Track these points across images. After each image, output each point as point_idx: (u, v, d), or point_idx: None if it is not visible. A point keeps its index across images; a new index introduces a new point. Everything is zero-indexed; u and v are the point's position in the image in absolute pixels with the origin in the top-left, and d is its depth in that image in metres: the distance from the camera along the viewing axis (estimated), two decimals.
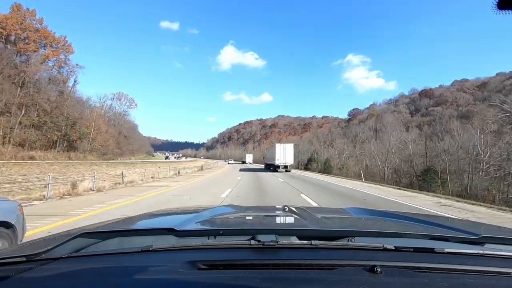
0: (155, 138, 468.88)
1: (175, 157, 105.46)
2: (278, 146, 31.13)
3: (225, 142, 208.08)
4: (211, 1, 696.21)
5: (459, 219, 2.26)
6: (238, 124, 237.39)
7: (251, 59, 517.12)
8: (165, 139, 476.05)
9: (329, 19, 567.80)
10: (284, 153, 30.81)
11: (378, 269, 0.71)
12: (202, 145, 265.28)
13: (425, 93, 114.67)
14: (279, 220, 1.49)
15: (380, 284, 0.68)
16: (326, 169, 38.48)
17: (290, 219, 1.45)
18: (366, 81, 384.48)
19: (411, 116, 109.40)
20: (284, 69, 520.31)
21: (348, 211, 1.71)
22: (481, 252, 0.89)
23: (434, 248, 0.87)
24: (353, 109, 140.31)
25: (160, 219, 1.49)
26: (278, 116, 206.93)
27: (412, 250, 0.87)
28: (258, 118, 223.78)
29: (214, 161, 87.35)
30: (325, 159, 43.46)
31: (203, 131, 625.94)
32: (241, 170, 33.37)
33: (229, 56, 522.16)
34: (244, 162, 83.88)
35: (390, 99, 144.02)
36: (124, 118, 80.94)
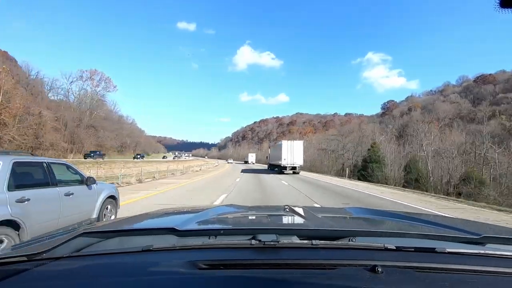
0: (171, 138, 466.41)
1: (171, 157, 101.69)
2: (285, 143, 26.28)
3: (239, 141, 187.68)
4: (228, 1, 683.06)
5: (460, 219, 2.14)
6: (253, 122, 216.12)
7: (267, 59, 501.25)
8: (180, 140, 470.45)
9: (349, 17, 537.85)
10: (292, 152, 25.60)
11: (379, 269, 0.71)
12: (216, 145, 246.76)
13: (483, 79, 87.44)
14: (280, 219, 1.50)
15: (381, 284, 0.68)
16: (419, 180, 15.33)
17: (291, 219, 1.45)
18: (386, 80, 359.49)
19: (473, 106, 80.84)
20: (302, 69, 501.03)
21: (349, 211, 1.73)
22: (482, 252, 0.89)
23: (435, 248, 0.88)
24: (387, 102, 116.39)
25: (161, 219, 1.52)
26: (296, 113, 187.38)
27: (413, 250, 0.88)
28: (275, 116, 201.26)
29: (215, 160, 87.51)
30: (408, 160, 20.33)
31: (219, 131, 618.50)
32: (242, 171, 28.99)
33: (246, 56, 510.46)
34: (246, 162, 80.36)
35: (431, 90, 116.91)
36: (100, 102, 59.79)
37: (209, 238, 0.96)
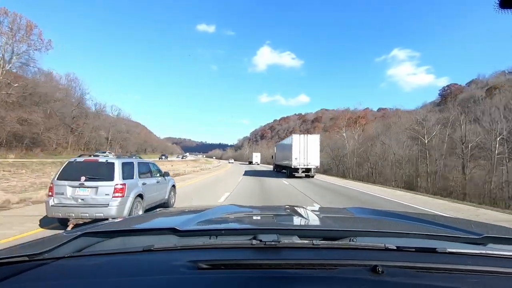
0: (190, 140, 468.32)
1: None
2: (297, 138, 21.22)
3: (257, 141, 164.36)
4: (247, 2, 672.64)
5: (461, 218, 2.08)
6: (272, 120, 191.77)
7: (287, 59, 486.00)
8: (199, 141, 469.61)
9: (373, 13, 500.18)
10: (305, 149, 20.57)
11: (380, 269, 0.72)
12: (234, 146, 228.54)
13: None
14: (280, 219, 1.51)
15: (382, 284, 0.69)
16: None
17: (292, 219, 1.48)
18: (413, 78, 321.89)
19: None
20: (323, 69, 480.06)
21: (350, 211, 1.76)
22: (483, 252, 0.90)
23: (436, 248, 0.89)
24: (447, 86, 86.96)
25: (162, 219, 1.56)
26: (322, 109, 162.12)
27: (414, 250, 0.89)
28: (297, 113, 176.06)
29: (217, 161, 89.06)
30: None
31: (238, 133, 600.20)
32: (244, 174, 24.73)
33: (265, 56, 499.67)
34: (250, 163, 74.70)
35: (503, 71, 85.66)
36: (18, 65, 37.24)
37: (210, 238, 0.97)
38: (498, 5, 0.88)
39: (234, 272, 0.75)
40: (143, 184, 6.33)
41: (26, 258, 0.80)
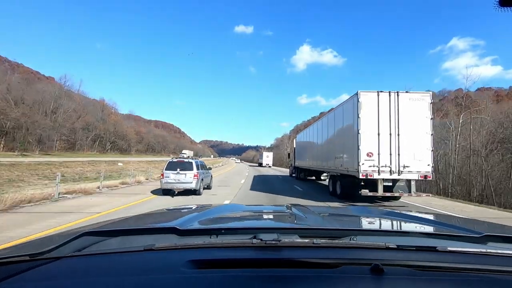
0: (227, 142, 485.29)
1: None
2: (371, 102, 9.32)
3: None
4: (286, 1, 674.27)
5: (461, 217, 2.33)
6: (319, 114, 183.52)
7: (329, 57, 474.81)
8: (236, 144, 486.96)
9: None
10: (395, 130, 9.11)
11: (380, 268, 0.77)
12: (271, 146, 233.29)
13: None
14: (281, 219, 1.66)
15: (383, 283, 0.74)
16: None
17: (292, 218, 1.59)
18: (474, 70, 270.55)
19: None
20: (368, 65, 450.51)
21: (350, 210, 1.99)
22: (483, 250, 0.96)
23: (436, 247, 0.94)
24: None
25: (162, 218, 1.67)
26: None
27: (414, 248, 0.95)
28: None
29: (222, 159, 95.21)
30: None
31: (277, 135, 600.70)
32: (252, 188, 16.52)
33: (305, 55, 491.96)
34: (260, 165, 61.00)
35: None
36: None
37: (210, 237, 1.04)
38: (497, 3, 0.93)
39: (235, 271, 0.78)
40: (202, 173, 12.77)
41: (27, 258, 0.83)
